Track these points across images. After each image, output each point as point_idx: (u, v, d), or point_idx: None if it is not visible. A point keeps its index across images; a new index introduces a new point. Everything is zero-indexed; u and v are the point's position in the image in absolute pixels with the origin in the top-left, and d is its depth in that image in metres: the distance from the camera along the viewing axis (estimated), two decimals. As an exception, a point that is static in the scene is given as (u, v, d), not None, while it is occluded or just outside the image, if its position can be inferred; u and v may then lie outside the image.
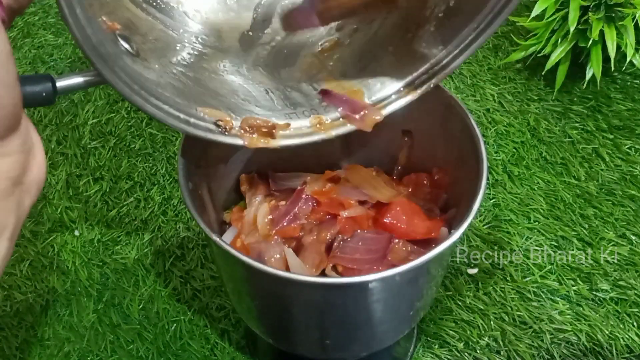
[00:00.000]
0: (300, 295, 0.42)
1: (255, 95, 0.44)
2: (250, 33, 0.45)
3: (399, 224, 0.48)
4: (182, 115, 0.39)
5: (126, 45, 0.37)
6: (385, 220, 0.48)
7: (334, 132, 0.44)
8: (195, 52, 0.43)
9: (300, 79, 0.45)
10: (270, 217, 0.50)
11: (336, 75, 0.45)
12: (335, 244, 0.47)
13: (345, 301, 0.42)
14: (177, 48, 0.42)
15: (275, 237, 0.48)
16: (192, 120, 0.40)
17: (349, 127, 0.44)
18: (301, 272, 0.46)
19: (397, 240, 0.47)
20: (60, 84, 0.33)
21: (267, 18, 0.46)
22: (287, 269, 0.47)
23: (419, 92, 0.44)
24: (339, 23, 0.46)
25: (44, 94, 0.32)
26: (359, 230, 0.48)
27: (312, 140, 0.44)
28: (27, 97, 0.31)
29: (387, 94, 0.44)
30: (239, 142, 0.42)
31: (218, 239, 0.39)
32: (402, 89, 0.44)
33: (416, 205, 0.50)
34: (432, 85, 0.43)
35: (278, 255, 0.47)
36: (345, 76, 0.45)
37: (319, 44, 0.46)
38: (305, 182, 0.52)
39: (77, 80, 0.34)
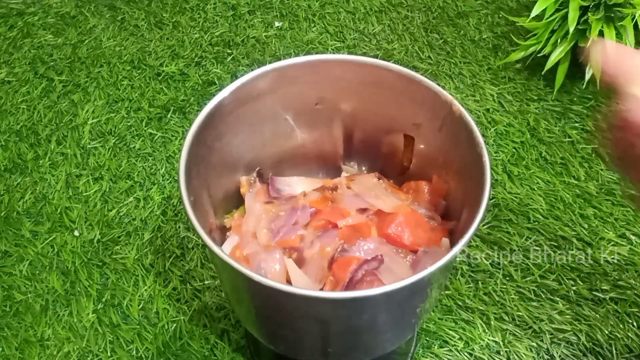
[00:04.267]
0: (303, 309, 0.41)
1: None
2: None
3: (403, 236, 0.47)
4: None
5: None
6: (389, 231, 0.48)
7: None
8: None
9: None
10: (270, 227, 0.49)
11: None
12: (337, 254, 0.46)
13: (351, 314, 0.41)
14: None
15: (276, 247, 0.47)
16: None
17: None
18: (304, 286, 0.45)
19: (399, 250, 0.47)
20: None
21: None
22: (288, 280, 0.46)
23: None
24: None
25: None
26: (361, 239, 0.47)
27: None
28: None
29: None
30: None
31: (221, 253, 0.38)
32: None
33: (419, 215, 0.49)
34: None
35: (278, 266, 0.46)
36: None
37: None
38: (304, 191, 0.51)
39: None
